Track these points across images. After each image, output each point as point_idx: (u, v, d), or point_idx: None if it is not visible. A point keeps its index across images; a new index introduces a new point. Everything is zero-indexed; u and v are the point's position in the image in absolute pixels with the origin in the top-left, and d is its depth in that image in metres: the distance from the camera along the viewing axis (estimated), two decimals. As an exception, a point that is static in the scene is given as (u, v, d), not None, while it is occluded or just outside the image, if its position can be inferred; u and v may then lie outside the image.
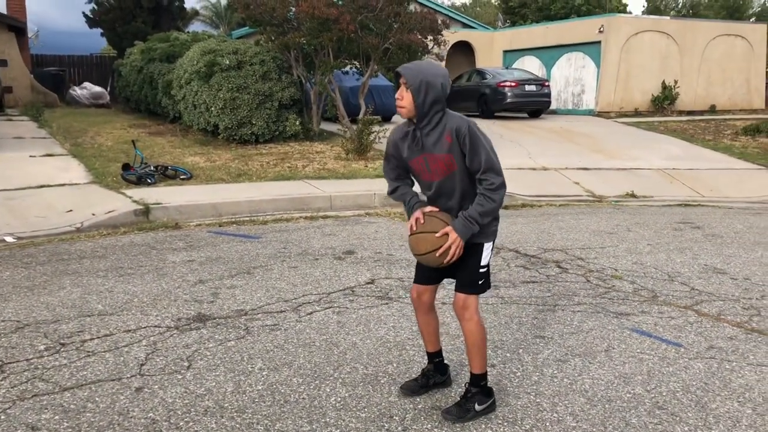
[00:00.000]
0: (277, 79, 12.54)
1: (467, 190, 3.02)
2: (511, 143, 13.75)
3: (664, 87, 20.42)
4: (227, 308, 4.59)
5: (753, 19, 37.49)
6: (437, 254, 2.95)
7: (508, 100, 18.47)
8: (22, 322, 4.25)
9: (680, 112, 20.34)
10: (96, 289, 4.98)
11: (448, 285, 4.18)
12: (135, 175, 8.99)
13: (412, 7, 12.61)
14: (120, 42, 23.28)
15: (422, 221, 3.02)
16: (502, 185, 2.94)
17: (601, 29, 20.35)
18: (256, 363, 3.70)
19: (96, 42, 33.21)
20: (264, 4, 12.13)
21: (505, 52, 24.75)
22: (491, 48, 25.09)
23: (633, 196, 9.83)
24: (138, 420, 3.06)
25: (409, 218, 3.12)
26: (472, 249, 3.05)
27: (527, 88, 18.79)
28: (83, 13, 24.43)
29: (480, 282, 3.09)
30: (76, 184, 8.85)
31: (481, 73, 20.14)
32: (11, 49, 20.04)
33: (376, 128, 11.48)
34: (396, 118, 17.93)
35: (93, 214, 7.36)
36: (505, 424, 3.08)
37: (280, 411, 3.16)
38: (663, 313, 4.62)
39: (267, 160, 11.03)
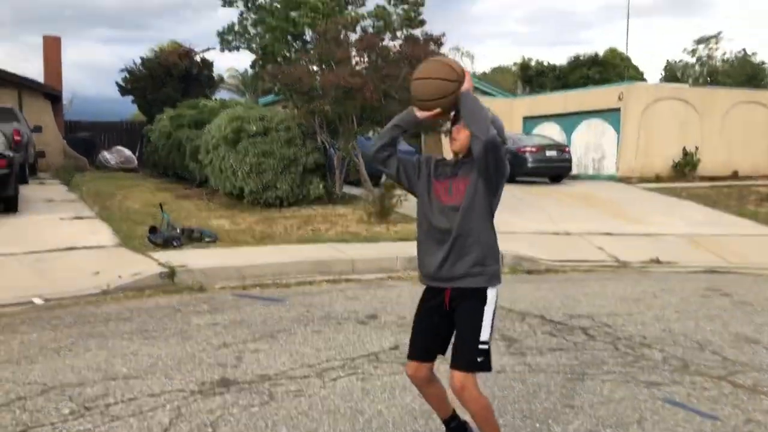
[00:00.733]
0: (302, 144, 12.80)
1: (474, 224, 3.01)
2: (533, 207, 13.77)
3: (685, 153, 20.46)
4: (251, 373, 4.56)
5: (772, 86, 37.80)
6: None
7: (529, 165, 18.59)
8: (48, 385, 4.26)
9: (702, 178, 20.27)
10: (121, 351, 4.99)
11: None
12: (161, 238, 9.12)
13: (434, 75, 12.90)
14: (150, 108, 24.01)
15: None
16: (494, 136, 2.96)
17: (621, 97, 20.61)
18: (280, 430, 3.65)
19: (127, 108, 34.27)
20: (291, 74, 12.52)
21: (525, 118, 25.07)
22: (511, 114, 25.43)
23: (658, 261, 9.73)
24: (162, 487, 3.01)
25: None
26: (472, 301, 2.99)
27: (548, 153, 18.94)
28: (116, 82, 25.34)
29: (479, 359, 2.97)
30: (103, 246, 8.98)
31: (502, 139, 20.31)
32: (46, 116, 20.75)
33: (397, 192, 11.59)
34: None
35: (119, 277, 7.44)
36: (537, 497, 2.99)
37: (305, 480, 3.10)
38: (696, 383, 4.50)
39: (291, 223, 11.14)
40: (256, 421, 3.75)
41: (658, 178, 20.10)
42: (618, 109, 20.75)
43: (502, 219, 12.02)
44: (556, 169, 19.22)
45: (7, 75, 20.69)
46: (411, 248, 9.39)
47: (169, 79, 24.39)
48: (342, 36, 12.88)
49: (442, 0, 64.09)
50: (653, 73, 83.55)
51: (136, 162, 22.92)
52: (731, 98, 21.93)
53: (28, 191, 13.41)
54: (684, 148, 20.49)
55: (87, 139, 23.79)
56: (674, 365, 4.88)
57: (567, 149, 19.79)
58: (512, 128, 24.46)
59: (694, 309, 6.74)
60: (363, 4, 14.50)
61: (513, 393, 4.26)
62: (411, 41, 12.94)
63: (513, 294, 7.30)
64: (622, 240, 11.03)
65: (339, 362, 4.82)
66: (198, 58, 25.70)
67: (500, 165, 3.00)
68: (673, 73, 49.48)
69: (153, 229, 9.38)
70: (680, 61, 51.40)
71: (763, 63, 46.93)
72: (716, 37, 48.36)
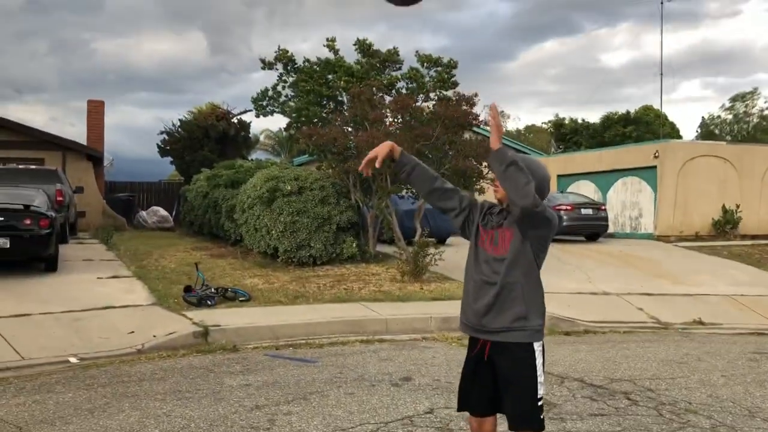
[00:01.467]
0: (336, 203, 12.91)
1: (518, 278, 2.96)
2: (569, 267, 13.56)
3: (725, 211, 20.06)
4: (283, 436, 4.48)
5: (812, 142, 37.18)
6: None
7: (565, 224, 18.40)
8: (81, 446, 4.24)
9: (743, 236, 19.80)
10: (154, 412, 4.96)
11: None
12: (196, 297, 9.18)
13: (466, 135, 13.02)
14: (187, 169, 24.57)
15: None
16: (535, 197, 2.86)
17: (657, 154, 20.45)
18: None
19: (165, 169, 35.25)
20: (326, 135, 12.74)
21: (559, 176, 24.98)
22: (544, 173, 25.36)
23: (701, 323, 9.43)
24: None
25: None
26: (519, 357, 2.94)
27: (583, 211, 18.76)
28: (157, 144, 26.08)
29: (540, 417, 2.93)
30: (139, 305, 9.07)
31: (536, 197, 20.25)
32: (88, 177, 21.38)
33: (431, 251, 11.54)
34: (451, 240, 18.02)
35: (154, 336, 7.47)
36: None
37: None
38: (747, 453, 4.28)
39: (324, 282, 11.13)
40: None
41: (697, 237, 19.70)
42: (654, 167, 20.56)
43: (537, 278, 11.53)
44: (592, 228, 19.00)
45: (54, 138, 21.52)
46: (445, 308, 9.34)
47: (206, 140, 25.01)
48: (376, 98, 13.13)
49: (474, 60, 65.25)
50: (689, 130, 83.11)
51: (172, 221, 23.34)
52: (770, 155, 21.58)
53: (67, 250, 13.71)
54: (723, 206, 20.11)
55: (126, 199, 24.37)
56: (723, 433, 4.66)
57: (603, 207, 19.58)
58: (546, 186, 24.37)
59: (742, 373, 6.48)
60: (399, 68, 14.79)
61: (553, 461, 4.09)
62: (444, 102, 13.12)
63: (551, 356, 7.10)
64: (662, 300, 10.75)
65: (373, 426, 4.71)
66: (235, 120, 26.37)
67: (541, 225, 2.96)
68: (708, 130, 49.16)
69: (188, 288, 9.46)
70: (717, 117, 51.16)
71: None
72: (753, 93, 48.13)
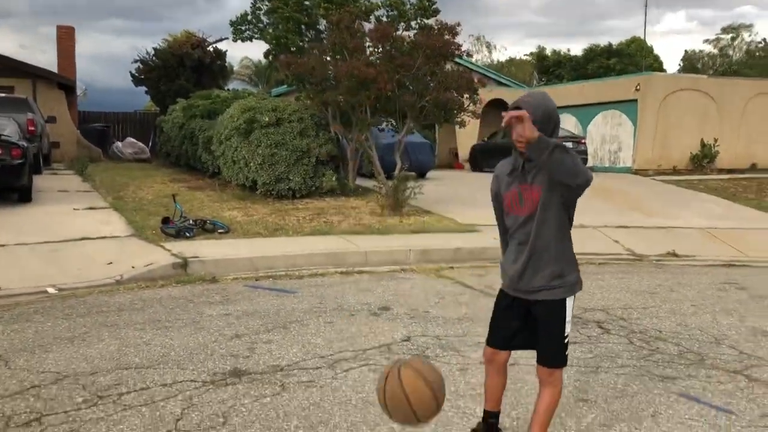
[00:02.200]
0: (315, 135, 12.76)
1: (550, 237, 2.97)
2: (547, 200, 13.66)
3: (703, 145, 20.21)
4: (263, 363, 4.55)
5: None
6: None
7: (544, 157, 18.45)
8: (62, 374, 4.28)
9: (720, 170, 20.04)
10: (134, 341, 5.00)
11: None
12: (174, 229, 9.13)
13: (448, 66, 12.82)
14: (163, 99, 24.06)
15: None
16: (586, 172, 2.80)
17: (638, 88, 20.37)
18: (292, 421, 3.63)
19: (140, 99, 34.43)
20: (305, 64, 12.46)
21: (540, 109, 24.87)
22: (526, 106, 25.23)
23: (675, 255, 9.62)
24: (172, 477, 3.01)
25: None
26: (552, 309, 3.04)
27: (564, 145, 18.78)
28: (130, 72, 25.40)
29: (566, 353, 3.11)
30: (116, 236, 9.02)
31: (516, 131, 20.22)
32: (60, 106, 20.86)
33: (411, 184, 11.54)
34: (431, 174, 18.03)
35: (132, 267, 7.46)
36: (550, 492, 2.95)
37: (315, 472, 3.09)
38: (711, 377, 4.44)
39: (303, 215, 11.13)
40: (267, 412, 3.74)
41: (675, 171, 19.89)
42: (635, 101, 20.52)
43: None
44: (570, 161, 19.06)
45: (22, 65, 20.79)
46: (424, 241, 9.39)
47: (181, 69, 24.41)
48: (356, 25, 12.81)
49: (456, -10, 63.63)
50: (672, 63, 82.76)
51: (148, 153, 23.01)
52: (751, 89, 21.59)
53: (42, 181, 13.49)
54: (702, 140, 20.24)
55: (101, 129, 23.88)
56: (690, 359, 4.82)
57: (583, 140, 19.62)
58: (527, 120, 24.28)
59: (711, 303, 6.66)
60: (378, -6, 14.41)
61: (527, 386, 4.22)
62: (425, 31, 12.85)
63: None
64: (638, 233, 10.92)
65: (351, 353, 4.80)
66: (211, 48, 25.70)
67: (580, 187, 2.88)
68: (692, 64, 48.94)
69: (166, 220, 9.40)
70: (700, 51, 50.87)
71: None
72: (744, 26, 47.76)
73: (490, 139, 21.32)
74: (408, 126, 12.70)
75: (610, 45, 40.78)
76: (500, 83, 27.66)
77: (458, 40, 12.34)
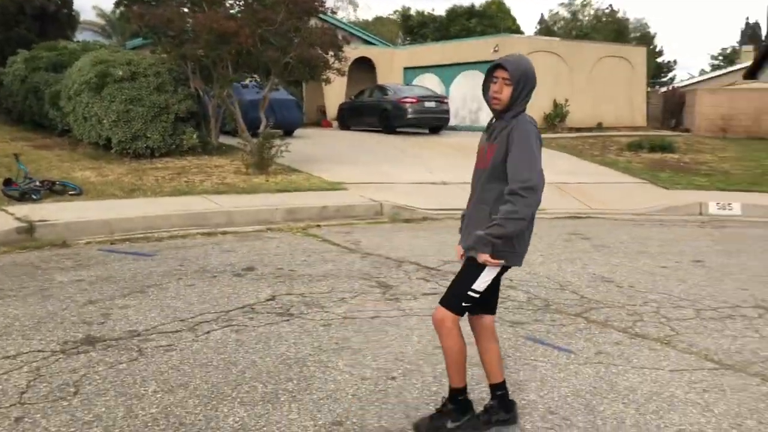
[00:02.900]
0: (174, 91, 12.19)
1: (492, 197, 2.95)
2: (412, 158, 14.00)
3: (556, 105, 21.44)
4: (119, 330, 4.37)
5: (634, 42, 40.15)
6: None
7: (409, 116, 18.81)
8: None
9: (570, 129, 21.39)
10: (-29, 313, 4.62)
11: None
12: (18, 191, 8.46)
13: (312, 22, 12.62)
14: (1, 49, 21.88)
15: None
16: (531, 189, 2.80)
17: (496, 48, 21.14)
18: (150, 385, 3.54)
19: (-25, 49, 31.10)
20: (160, 16, 11.77)
21: (406, 69, 25.23)
22: (392, 65, 25.49)
23: (527, 208, 10.22)
24: (17, 453, 2.85)
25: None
26: (473, 263, 2.95)
27: (427, 104, 19.22)
28: (-39, 18, 22.77)
29: (463, 304, 2.98)
30: (-50, 200, 8.21)
31: (383, 89, 20.42)
32: None
33: (277, 142, 11.37)
34: (298, 132, 17.83)
35: (-31, 233, 6.85)
36: (406, 436, 3.10)
37: (174, 435, 3.04)
38: (555, 321, 4.81)
39: (163, 174, 10.67)
40: (123, 378, 3.61)
41: (530, 129, 20.95)
42: (493, 61, 21.29)
43: (382, 170, 12.16)
44: (435, 120, 19.57)
45: None
46: (291, 199, 9.33)
47: (21, 16, 22.22)
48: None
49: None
50: (529, 26, 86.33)
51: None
52: (598, 52, 23.12)
53: None
54: (554, 100, 21.45)
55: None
56: (537, 305, 5.19)
57: (446, 100, 20.17)
58: (393, 79, 24.57)
59: (558, 252, 7.17)
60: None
61: (387, 337, 4.36)
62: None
63: (390, 243, 7.45)
64: (495, 188, 11.47)
65: (213, 315, 4.72)
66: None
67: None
68: (547, 27, 51.40)
69: (8, 182, 8.68)
70: (555, 13, 53.49)
71: (628, 20, 49.74)
72: None
73: (357, 97, 21.38)
74: (273, 82, 12.43)
75: (473, 6, 41.89)
76: (367, 41, 27.68)
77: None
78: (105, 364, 3.81)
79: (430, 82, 23.48)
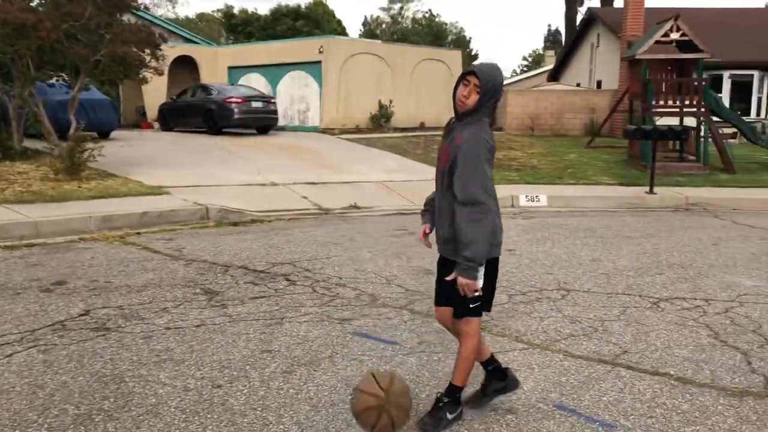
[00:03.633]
0: (-34, 90, 10.93)
1: (451, 195, 3.09)
2: (240, 159, 13.71)
3: (381, 106, 22.07)
4: None
5: (451, 45, 42.45)
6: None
7: (236, 117, 18.41)
8: None
9: (396, 129, 22.12)
10: None
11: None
12: None
13: (126, 18, 11.91)
14: None
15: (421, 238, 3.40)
16: (480, 211, 2.96)
17: (321, 50, 21.34)
18: (-63, 422, 3.15)
19: None
20: (-57, 4, 10.48)
21: (230, 68, 24.65)
22: (216, 64, 24.79)
23: (356, 207, 10.43)
24: None
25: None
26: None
27: (254, 104, 18.92)
28: None
29: (471, 306, 3.12)
30: None
31: (207, 89, 19.80)
32: None
33: (90, 145, 10.59)
34: (115, 134, 16.75)
35: None
36: (232, 444, 3.02)
37: (-33, 474, 2.73)
38: (381, 314, 4.95)
39: (-45, 183, 9.53)
40: None
41: (358, 129, 21.41)
42: (319, 62, 21.47)
43: (208, 172, 11.81)
44: (263, 121, 19.31)
45: None
46: (107, 206, 8.78)
47: None
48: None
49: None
50: (354, 28, 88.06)
51: None
52: (418, 55, 24.12)
53: None
54: (380, 101, 22.07)
55: None
56: (364, 300, 5.31)
57: (273, 100, 19.97)
58: (217, 78, 23.92)
59: (384, 248, 7.39)
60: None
61: (212, 345, 4.23)
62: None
63: (217, 247, 7.25)
64: (324, 188, 11.57)
65: (15, 336, 4.30)
66: None
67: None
68: (371, 29, 52.80)
69: None
70: (377, 17, 55.08)
71: (445, 24, 52.44)
72: None
73: (179, 97, 20.53)
74: (82, 81, 11.56)
75: (299, 6, 41.94)
76: (188, 39, 26.68)
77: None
78: None
79: (256, 83, 23.14)
